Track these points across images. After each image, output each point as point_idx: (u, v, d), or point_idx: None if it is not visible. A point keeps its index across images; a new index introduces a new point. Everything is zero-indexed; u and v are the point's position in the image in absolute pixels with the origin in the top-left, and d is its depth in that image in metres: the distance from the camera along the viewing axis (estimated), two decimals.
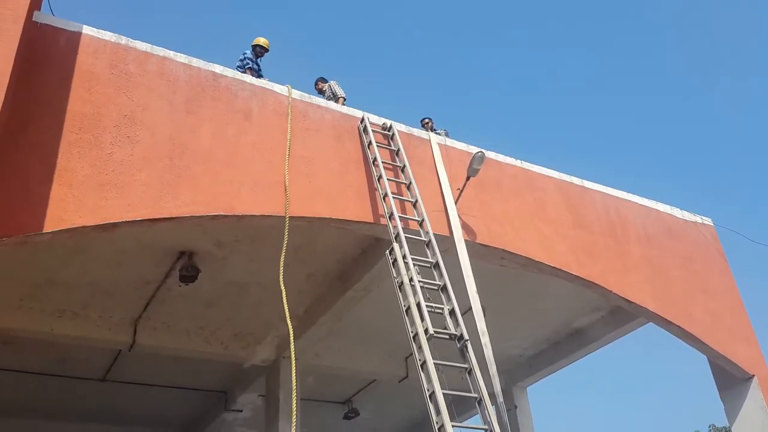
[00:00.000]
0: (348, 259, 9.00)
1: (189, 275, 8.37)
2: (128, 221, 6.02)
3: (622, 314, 10.70)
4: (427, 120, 11.21)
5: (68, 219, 5.68)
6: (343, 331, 10.65)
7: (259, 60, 10.19)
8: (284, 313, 9.60)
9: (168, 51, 7.07)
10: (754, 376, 9.26)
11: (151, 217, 6.14)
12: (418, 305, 6.51)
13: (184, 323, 9.91)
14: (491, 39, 74.89)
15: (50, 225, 5.57)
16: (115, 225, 6.00)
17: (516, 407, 12.49)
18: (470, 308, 7.26)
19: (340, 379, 12.37)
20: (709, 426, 31.41)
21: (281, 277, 6.75)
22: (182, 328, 9.94)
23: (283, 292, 6.75)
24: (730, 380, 9.46)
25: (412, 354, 11.45)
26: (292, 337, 6.79)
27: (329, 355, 11.23)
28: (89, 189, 5.87)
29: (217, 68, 7.33)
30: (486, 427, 6.17)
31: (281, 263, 6.78)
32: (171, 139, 6.55)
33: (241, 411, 12.61)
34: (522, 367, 12.58)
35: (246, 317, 10.05)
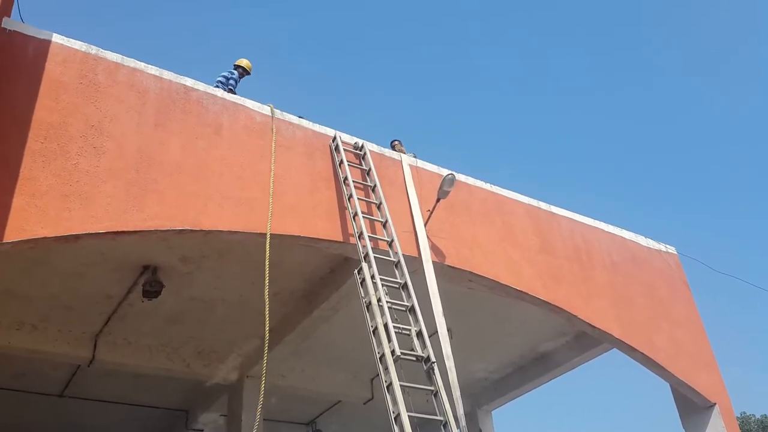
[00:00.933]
0: (316, 278, 8.93)
1: (152, 290, 8.21)
2: (91, 233, 5.91)
3: (586, 339, 10.77)
4: (396, 142, 11.24)
5: (30, 229, 5.55)
6: (308, 351, 10.54)
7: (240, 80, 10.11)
8: (249, 331, 9.54)
9: (139, 62, 7.01)
10: (715, 404, 9.37)
11: (115, 230, 6.03)
12: (386, 326, 6.49)
13: (145, 339, 9.71)
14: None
15: (11, 235, 5.44)
16: (77, 237, 5.89)
17: (480, 431, 12.46)
18: (437, 331, 7.25)
19: (305, 399, 12.21)
20: None
21: (266, 295, 6.68)
22: (144, 344, 9.74)
23: (266, 314, 6.69)
24: (692, 408, 9.56)
25: (378, 375, 11.44)
26: (266, 359, 6.65)
27: (294, 376, 11.09)
28: (52, 199, 5.76)
29: (188, 81, 7.28)
30: None
31: (266, 282, 6.71)
32: (139, 150, 6.46)
33: (202, 430, 12.36)
34: (487, 391, 12.57)
35: (210, 335, 9.89)
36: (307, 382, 11.23)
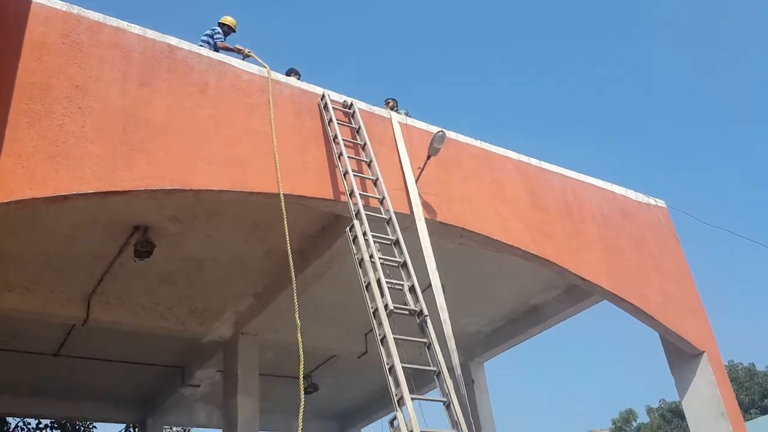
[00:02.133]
0: (308, 236, 8.94)
1: (144, 251, 8.22)
2: (80, 194, 5.87)
3: (577, 292, 10.89)
4: (390, 100, 11.15)
5: (17, 190, 5.51)
6: (302, 306, 10.55)
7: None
8: (243, 289, 9.60)
9: (121, 21, 6.86)
10: (704, 352, 9.54)
11: (104, 190, 5.99)
12: (378, 281, 6.55)
13: (139, 299, 9.77)
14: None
15: None
16: (65, 197, 5.85)
17: (473, 382, 12.67)
18: (430, 286, 7.31)
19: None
20: (660, 400, 32.53)
21: (288, 247, 6.69)
22: (137, 303, 9.79)
23: (291, 265, 6.73)
24: (681, 356, 9.73)
25: (371, 330, 11.56)
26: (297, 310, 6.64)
27: (289, 331, 11.11)
28: (39, 160, 5.70)
29: (173, 40, 7.15)
30: (444, 399, 6.27)
31: (287, 243, 6.72)
32: (124, 111, 6.38)
33: (199, 386, 12.54)
34: (480, 344, 12.74)
35: (203, 293, 9.95)
36: (302, 337, 11.31)
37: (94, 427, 14.43)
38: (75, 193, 5.84)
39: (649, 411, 33.06)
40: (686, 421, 10.13)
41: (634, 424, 34.90)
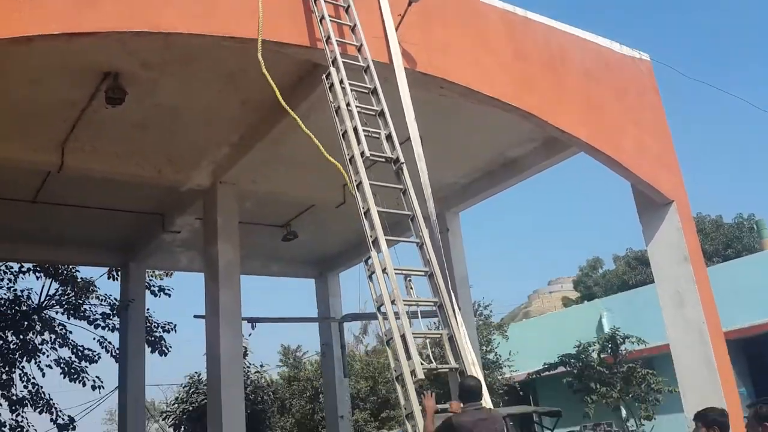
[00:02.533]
0: (285, 87, 8.60)
1: (115, 97, 7.98)
2: (45, 35, 5.62)
3: (554, 145, 10.93)
4: None
5: None
6: (280, 157, 10.58)
7: None
8: (219, 139, 9.44)
9: None
10: (673, 201, 9.77)
11: (70, 31, 5.73)
12: (355, 129, 6.56)
13: (113, 147, 9.61)
14: None
15: None
16: (29, 39, 5.62)
17: (448, 230, 13.00)
18: (408, 139, 7.27)
19: (279, 203, 12.53)
20: (626, 249, 33.98)
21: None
22: (112, 151, 9.64)
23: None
24: (651, 205, 9.97)
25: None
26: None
27: (267, 181, 11.24)
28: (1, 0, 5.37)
29: None
30: (417, 240, 6.48)
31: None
32: None
33: (179, 232, 12.75)
34: (456, 194, 12.92)
35: (179, 142, 9.81)
36: (280, 186, 11.42)
37: (77, 270, 14.71)
38: (39, 34, 5.59)
39: (616, 259, 34.63)
40: (649, 268, 10.59)
41: (601, 270, 36.65)
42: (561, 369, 18.17)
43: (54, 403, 14.46)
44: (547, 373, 18.69)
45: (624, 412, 17.48)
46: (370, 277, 6.01)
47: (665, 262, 9.98)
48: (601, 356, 17.39)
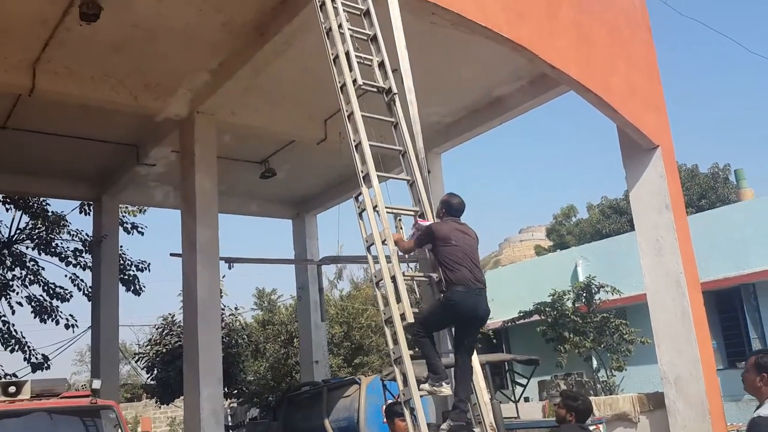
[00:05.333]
0: (267, 8, 8.33)
1: (90, 13, 7.57)
2: None
3: (541, 83, 10.75)
4: None
5: None
6: (261, 88, 10.25)
7: None
8: (198, 64, 9.08)
9: None
10: (658, 146, 9.71)
11: None
12: (347, 54, 6.22)
13: (87, 69, 9.21)
14: None
15: None
16: None
17: (429, 172, 12.78)
18: (396, 69, 7.00)
19: (257, 138, 12.25)
20: (601, 197, 34.09)
21: None
22: (86, 74, 9.24)
23: None
24: (636, 150, 9.91)
25: (332, 116, 11.36)
26: None
27: (246, 114, 10.91)
28: None
29: None
30: (409, 178, 6.29)
31: None
32: None
33: (155, 165, 12.39)
34: (439, 134, 12.71)
35: (155, 66, 9.42)
36: (259, 120, 11.10)
37: (48, 204, 14.32)
38: None
39: (590, 208, 34.70)
40: (624, 217, 10.58)
41: (574, 219, 36.76)
42: (535, 317, 18.28)
43: (27, 342, 14.25)
44: (521, 321, 18.77)
45: (595, 363, 17.69)
46: (360, 214, 5.74)
47: (646, 210, 9.97)
48: (575, 305, 17.48)
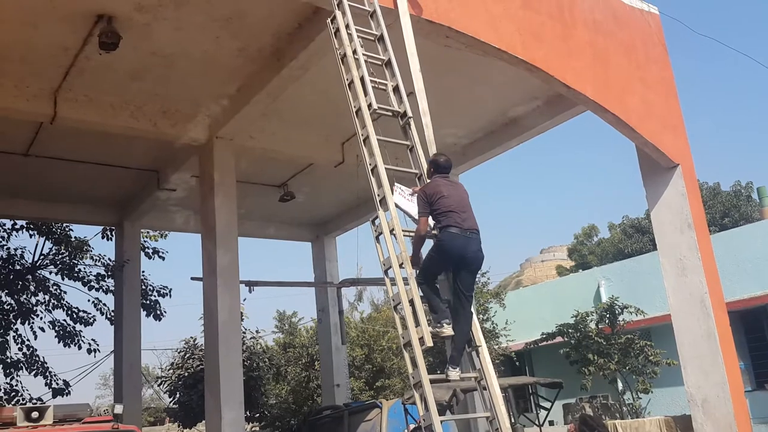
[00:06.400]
0: (283, 34, 8.45)
1: (109, 42, 7.70)
2: None
3: (557, 103, 10.75)
4: None
5: None
6: (278, 112, 10.35)
7: None
8: (216, 90, 9.21)
9: None
10: (678, 164, 9.61)
11: None
12: (362, 79, 6.26)
13: (107, 96, 9.37)
14: None
15: None
16: None
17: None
18: (411, 92, 7.03)
19: (276, 162, 12.31)
20: (623, 216, 33.81)
21: None
22: (106, 101, 9.39)
23: None
24: (655, 168, 9.82)
25: (349, 139, 11.40)
26: None
27: (264, 138, 11.00)
28: None
29: None
30: None
31: None
32: None
33: (175, 190, 12.51)
34: (456, 156, 12.65)
35: (174, 93, 9.57)
36: (277, 144, 11.19)
37: (71, 229, 14.50)
38: None
39: (611, 227, 34.40)
40: (646, 237, 10.46)
41: (596, 238, 36.46)
42: (558, 339, 18.05)
43: (48, 367, 14.36)
44: (544, 343, 18.56)
45: (620, 385, 17.40)
46: (377, 238, 5.75)
47: (668, 229, 9.85)
48: (599, 326, 17.25)
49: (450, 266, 5.76)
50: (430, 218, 5.71)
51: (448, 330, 5.58)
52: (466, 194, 5.97)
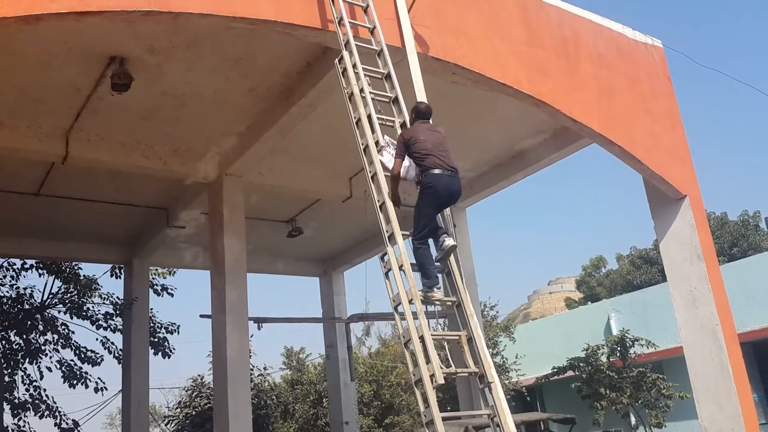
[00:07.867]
0: (292, 73, 8.58)
1: (121, 83, 7.83)
2: (53, 13, 5.49)
3: (564, 137, 10.82)
4: None
5: None
6: (287, 149, 10.44)
7: None
8: (226, 128, 9.31)
9: None
10: (686, 196, 9.61)
11: (78, 10, 5.59)
12: (369, 117, 6.34)
13: (119, 136, 9.48)
14: None
15: None
16: (38, 18, 5.50)
17: (455, 226, 12.79)
18: None
19: (284, 198, 12.38)
20: (630, 248, 33.72)
21: None
22: (117, 141, 9.50)
23: None
24: (663, 200, 9.81)
25: (356, 174, 11.48)
26: None
27: (273, 174, 11.09)
28: None
29: None
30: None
31: None
32: None
33: (184, 227, 12.58)
34: (463, 189, 12.62)
35: (185, 132, 9.67)
36: (286, 179, 11.26)
37: (80, 268, 14.55)
38: (48, 12, 5.47)
39: (619, 258, 34.28)
40: (654, 267, 10.42)
41: (604, 269, 36.30)
42: (569, 373, 17.84)
43: (57, 407, 14.28)
44: (555, 377, 18.33)
45: (633, 419, 17.14)
46: (386, 274, 5.77)
47: (678, 260, 9.78)
48: (610, 359, 17.05)
49: (439, 207, 6.05)
50: (406, 159, 5.94)
51: (438, 294, 5.78)
52: (445, 138, 6.14)
